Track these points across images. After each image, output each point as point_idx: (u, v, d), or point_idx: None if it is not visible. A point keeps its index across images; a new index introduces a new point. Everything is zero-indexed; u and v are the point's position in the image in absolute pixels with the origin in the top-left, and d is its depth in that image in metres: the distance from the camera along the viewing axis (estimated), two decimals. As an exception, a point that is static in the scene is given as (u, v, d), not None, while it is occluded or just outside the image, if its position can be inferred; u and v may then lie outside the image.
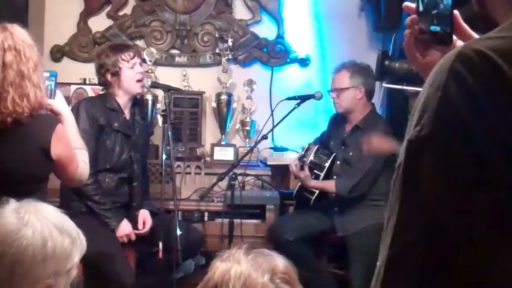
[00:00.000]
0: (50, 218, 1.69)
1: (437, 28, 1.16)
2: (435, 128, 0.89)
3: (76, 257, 1.72)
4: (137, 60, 4.05)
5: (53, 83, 2.72)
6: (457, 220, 0.87)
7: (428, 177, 0.90)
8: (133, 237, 3.93)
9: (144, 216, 4.07)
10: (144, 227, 4.04)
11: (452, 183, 0.88)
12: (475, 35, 1.17)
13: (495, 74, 0.87)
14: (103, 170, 3.91)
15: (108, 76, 3.98)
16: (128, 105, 4.06)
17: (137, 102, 4.23)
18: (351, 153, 4.25)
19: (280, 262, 1.54)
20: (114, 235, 3.87)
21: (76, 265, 1.73)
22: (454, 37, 1.19)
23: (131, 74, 3.99)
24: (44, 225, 1.66)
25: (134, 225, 3.99)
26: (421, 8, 1.17)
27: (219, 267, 1.51)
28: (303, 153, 4.30)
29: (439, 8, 1.15)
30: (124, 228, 3.90)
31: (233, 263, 1.50)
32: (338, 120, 4.45)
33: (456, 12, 1.17)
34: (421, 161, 0.90)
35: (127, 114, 4.05)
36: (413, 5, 1.18)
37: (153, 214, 4.10)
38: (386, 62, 3.62)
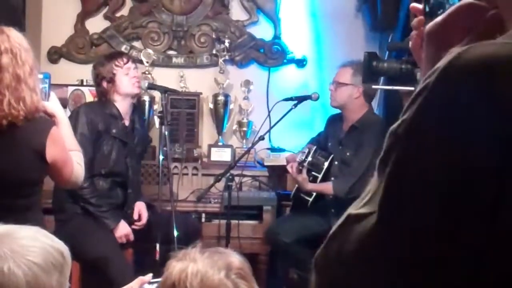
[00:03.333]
0: (31, 258, 1.40)
1: None
2: (409, 129, 0.89)
3: (67, 279, 1.51)
4: (131, 65, 4.08)
5: (47, 85, 2.72)
6: (417, 227, 0.87)
7: (391, 174, 0.90)
8: (131, 238, 3.94)
9: (140, 208, 4.10)
10: (140, 219, 4.06)
11: (405, 189, 0.88)
12: None
13: (488, 82, 0.85)
14: (98, 174, 3.92)
15: (104, 84, 4.01)
16: (128, 111, 4.08)
17: (137, 109, 4.24)
18: (348, 153, 4.25)
19: (235, 258, 1.57)
20: (112, 234, 3.88)
21: (67, 280, 1.52)
22: None
23: (126, 79, 4.01)
24: (26, 271, 1.39)
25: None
26: (428, 9, 1.16)
27: (175, 266, 1.53)
28: (303, 158, 4.29)
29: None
30: (123, 228, 3.91)
31: (189, 262, 1.53)
32: (335, 120, 4.45)
33: None
34: (390, 156, 0.91)
35: (126, 121, 4.07)
36: (420, 6, 1.18)
37: (149, 207, 4.13)
38: (374, 63, 3.61)
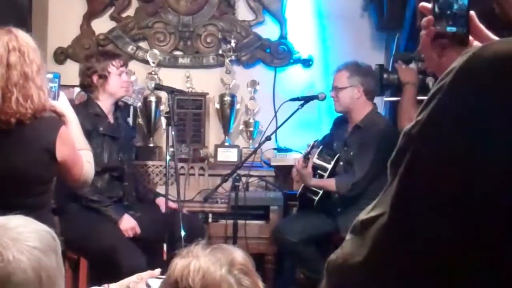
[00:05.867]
0: (30, 243, 1.45)
1: (453, 29, 1.15)
2: (423, 131, 0.88)
3: (62, 262, 1.55)
4: (124, 69, 4.14)
5: (56, 84, 2.74)
6: (421, 228, 0.87)
7: (403, 174, 0.90)
8: (138, 231, 3.94)
9: (162, 204, 4.18)
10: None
11: (417, 190, 0.88)
12: (492, 36, 1.16)
13: (506, 81, 0.84)
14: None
15: (95, 78, 4.02)
16: (111, 109, 4.11)
17: (118, 107, 4.28)
18: (351, 153, 4.26)
19: (238, 254, 1.58)
20: (117, 225, 3.91)
21: (63, 269, 1.57)
22: (471, 38, 1.17)
23: (118, 81, 4.06)
24: (29, 256, 1.43)
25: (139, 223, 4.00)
26: (437, 9, 1.16)
27: (178, 263, 1.54)
28: (308, 150, 4.29)
29: (455, 9, 1.14)
30: (127, 222, 3.93)
31: (192, 259, 1.54)
32: (341, 121, 4.46)
33: (472, 13, 1.16)
34: (403, 156, 0.90)
35: (111, 119, 4.10)
36: (429, 6, 1.17)
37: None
38: (385, 76, 3.64)
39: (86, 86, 4.09)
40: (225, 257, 1.56)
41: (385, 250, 0.90)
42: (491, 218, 0.83)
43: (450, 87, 0.86)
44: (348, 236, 0.98)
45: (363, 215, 0.97)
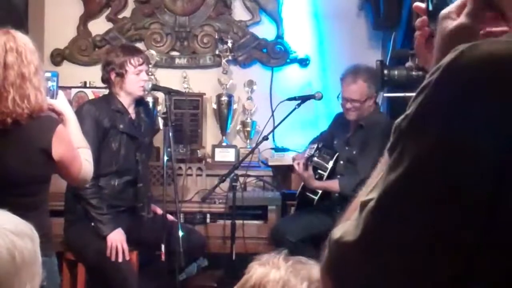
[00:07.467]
0: (6, 226, 1.51)
1: None
2: (411, 125, 0.89)
3: (39, 252, 1.59)
4: (144, 67, 4.02)
5: (54, 83, 2.74)
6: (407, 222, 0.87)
7: (391, 168, 0.90)
8: (125, 247, 3.79)
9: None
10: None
11: (404, 185, 0.88)
12: None
13: (491, 80, 0.84)
14: (108, 173, 3.89)
15: (112, 75, 3.95)
16: (132, 105, 4.05)
17: (141, 100, 4.21)
18: (354, 152, 4.24)
19: (316, 270, 1.57)
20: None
21: (40, 258, 1.61)
22: None
23: (135, 80, 3.96)
24: (4, 237, 1.49)
25: (140, 227, 4.00)
26: (431, 9, 1.16)
27: (257, 269, 1.53)
28: (312, 152, 4.27)
29: None
30: (117, 234, 3.79)
31: (272, 267, 1.52)
32: (342, 119, 4.42)
33: None
34: (394, 149, 0.91)
35: (132, 114, 4.03)
36: (423, 5, 1.17)
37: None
38: (385, 71, 3.60)
39: (106, 81, 4.04)
40: (306, 271, 1.55)
41: (374, 235, 0.91)
42: (481, 210, 0.84)
43: (436, 83, 0.88)
44: (354, 215, 1.00)
45: (363, 196, 0.98)
